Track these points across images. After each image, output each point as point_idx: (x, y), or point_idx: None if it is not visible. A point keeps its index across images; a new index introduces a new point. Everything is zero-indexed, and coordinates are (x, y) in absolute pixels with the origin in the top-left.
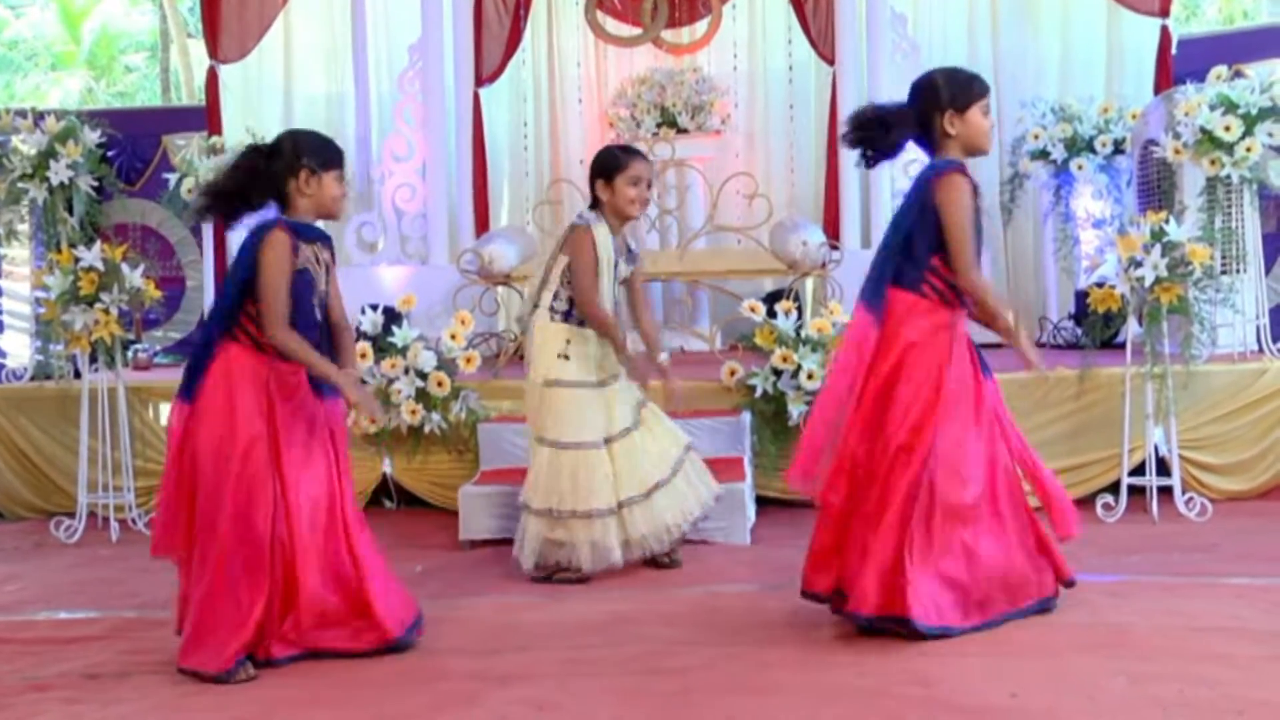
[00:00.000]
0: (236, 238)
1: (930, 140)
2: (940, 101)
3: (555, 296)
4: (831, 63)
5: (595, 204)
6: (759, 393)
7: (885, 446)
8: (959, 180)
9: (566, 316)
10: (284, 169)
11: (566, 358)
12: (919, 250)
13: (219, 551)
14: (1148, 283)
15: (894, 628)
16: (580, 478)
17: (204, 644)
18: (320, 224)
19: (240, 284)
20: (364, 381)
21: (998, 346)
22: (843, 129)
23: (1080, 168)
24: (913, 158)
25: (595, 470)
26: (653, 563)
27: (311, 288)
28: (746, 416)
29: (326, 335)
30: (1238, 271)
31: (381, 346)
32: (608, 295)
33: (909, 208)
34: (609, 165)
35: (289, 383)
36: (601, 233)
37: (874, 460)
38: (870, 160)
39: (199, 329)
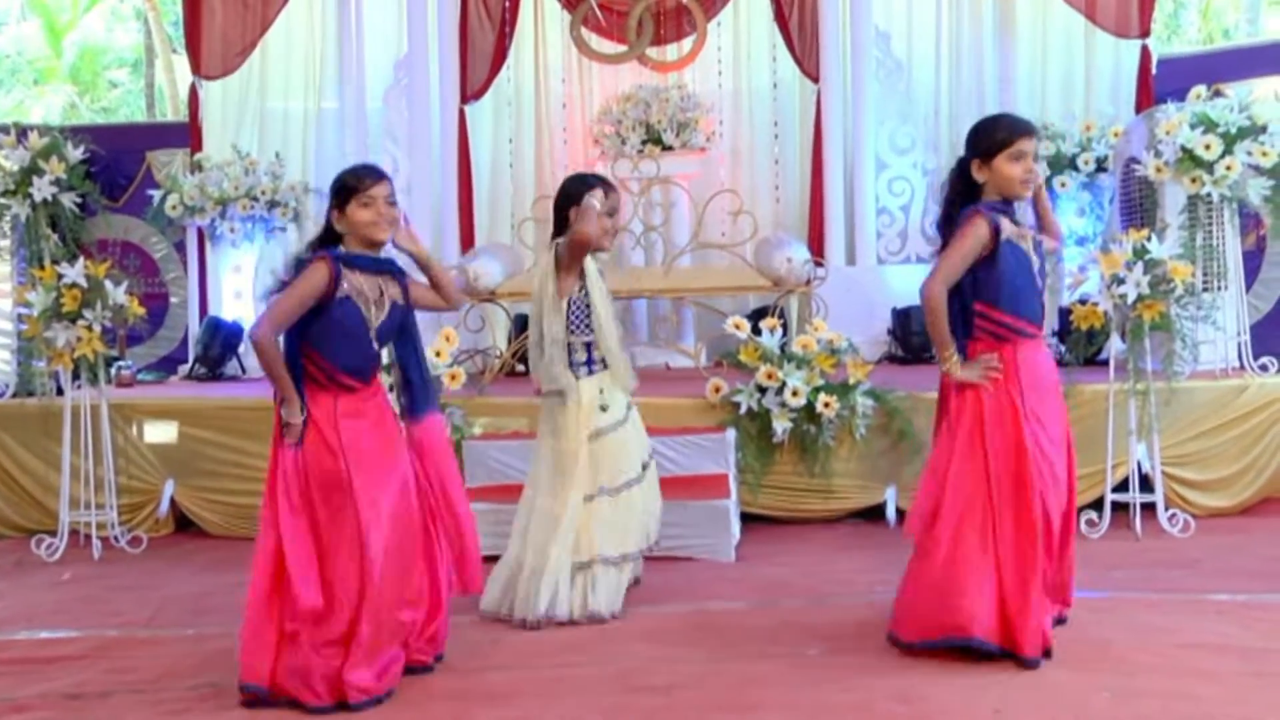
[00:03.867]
0: (220, 256)
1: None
2: (971, 150)
3: (571, 349)
4: (816, 80)
5: None
6: (744, 409)
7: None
8: (975, 220)
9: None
10: (329, 211)
11: (604, 408)
12: (968, 300)
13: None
14: (1130, 300)
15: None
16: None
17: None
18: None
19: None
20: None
21: None
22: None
23: (1063, 185)
24: (896, 174)
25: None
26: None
27: (359, 317)
28: (731, 433)
29: (403, 370)
30: (1219, 288)
31: None
32: (611, 327)
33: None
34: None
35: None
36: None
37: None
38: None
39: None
